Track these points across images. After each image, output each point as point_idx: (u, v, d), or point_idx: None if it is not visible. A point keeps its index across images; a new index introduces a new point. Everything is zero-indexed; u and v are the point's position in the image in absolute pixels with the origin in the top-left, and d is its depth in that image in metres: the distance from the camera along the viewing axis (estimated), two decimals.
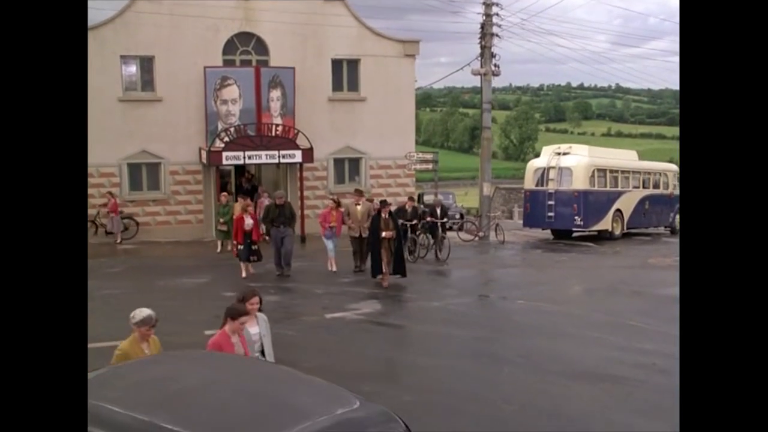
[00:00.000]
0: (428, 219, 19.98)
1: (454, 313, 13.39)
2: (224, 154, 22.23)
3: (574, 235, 24.79)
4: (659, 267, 18.39)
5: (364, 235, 16.65)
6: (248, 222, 16.12)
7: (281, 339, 11.53)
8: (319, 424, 3.48)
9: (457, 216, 27.88)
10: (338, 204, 17.61)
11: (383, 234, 15.19)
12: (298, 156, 22.92)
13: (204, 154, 22.98)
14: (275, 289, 15.27)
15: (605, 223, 24.10)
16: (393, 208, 16.96)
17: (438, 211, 20.51)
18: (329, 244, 17.17)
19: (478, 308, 14.63)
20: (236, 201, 22.27)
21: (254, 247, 16.20)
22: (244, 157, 22.36)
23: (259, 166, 26.16)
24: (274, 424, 3.41)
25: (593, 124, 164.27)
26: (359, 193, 18.11)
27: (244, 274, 16.20)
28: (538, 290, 15.66)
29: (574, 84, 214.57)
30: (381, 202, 16.31)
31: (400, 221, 18.58)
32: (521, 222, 26.50)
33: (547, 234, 25.17)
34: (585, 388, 9.25)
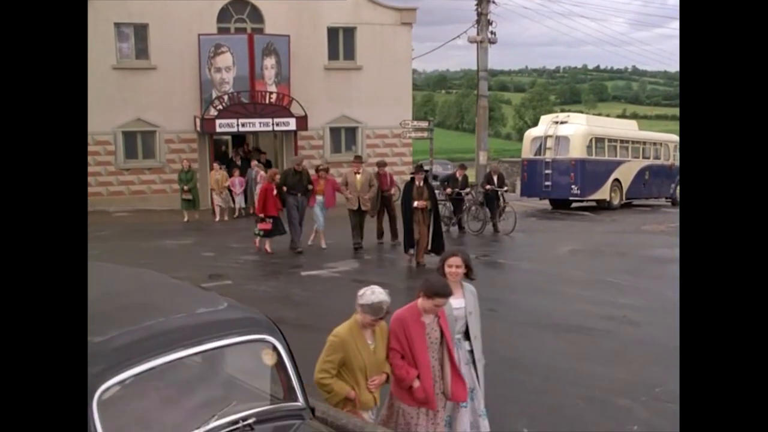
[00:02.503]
0: (487, 187, 18.32)
1: (431, 272, 13.20)
2: (218, 121, 22.15)
3: (573, 205, 24.49)
4: (651, 232, 18.12)
5: (363, 208, 15.19)
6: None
7: (251, 294, 11.52)
8: (174, 321, 3.35)
9: None
10: (323, 171, 15.84)
11: (416, 204, 13.33)
12: (292, 124, 22.80)
13: (199, 123, 22.88)
14: (254, 250, 15.17)
15: (603, 193, 23.76)
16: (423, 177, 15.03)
17: (495, 178, 18.66)
18: (315, 216, 15.54)
19: None
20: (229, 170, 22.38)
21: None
22: (238, 125, 22.25)
23: (255, 135, 26.06)
24: (123, 320, 3.28)
25: (608, 106, 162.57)
26: (358, 159, 16.30)
27: (269, 250, 14.72)
28: (522, 251, 15.50)
29: (591, 66, 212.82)
30: (416, 167, 14.40)
31: (449, 190, 17.81)
32: None
33: (545, 204, 24.90)
34: (550, 339, 9.11)
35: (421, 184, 13.42)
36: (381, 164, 16.45)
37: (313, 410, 3.70)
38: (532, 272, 13.14)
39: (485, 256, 15.02)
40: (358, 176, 15.33)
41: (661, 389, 7.21)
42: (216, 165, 21.38)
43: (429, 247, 13.48)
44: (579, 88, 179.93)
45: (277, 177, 15.20)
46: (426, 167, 21.75)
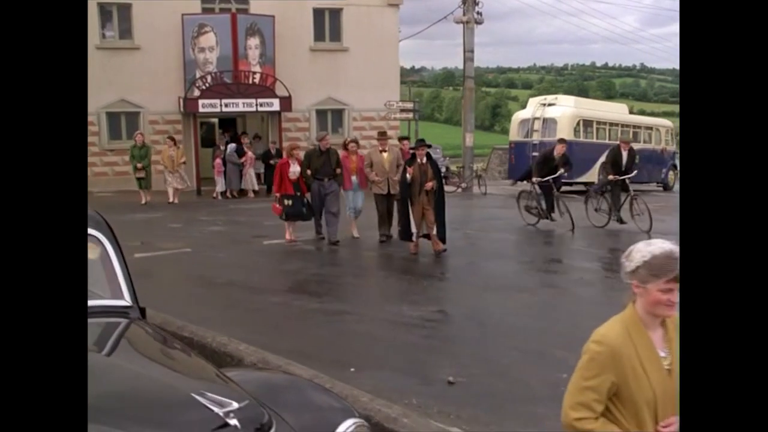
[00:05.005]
0: (613, 177, 14.47)
1: (394, 241, 12.94)
2: (200, 101, 21.90)
3: (562, 189, 24.07)
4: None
5: (393, 191, 12.73)
6: (294, 170, 12.49)
7: (211, 260, 11.30)
8: None
9: (443, 169, 27.23)
10: (353, 143, 13.52)
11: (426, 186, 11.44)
12: (276, 105, 22.53)
13: (182, 103, 22.65)
14: (225, 221, 14.92)
15: (591, 176, 23.34)
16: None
17: (625, 155, 14.61)
18: (349, 200, 13.37)
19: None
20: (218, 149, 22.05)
21: (305, 201, 12.69)
22: (221, 105, 22.00)
23: (243, 117, 25.78)
24: None
25: (616, 103, 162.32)
26: (384, 136, 13.53)
27: (288, 237, 12.72)
28: (491, 223, 15.30)
29: (599, 64, 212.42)
30: (418, 141, 12.57)
31: (537, 178, 14.76)
32: None
33: None
34: (499, 298, 8.86)
35: (424, 161, 11.57)
36: (403, 138, 14.43)
37: (143, 311, 3.41)
38: (495, 241, 13.03)
39: (455, 229, 14.76)
40: (385, 155, 12.92)
41: None
42: (169, 141, 20.11)
43: (434, 232, 11.59)
44: (586, 85, 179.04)
45: (295, 152, 12.95)
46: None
